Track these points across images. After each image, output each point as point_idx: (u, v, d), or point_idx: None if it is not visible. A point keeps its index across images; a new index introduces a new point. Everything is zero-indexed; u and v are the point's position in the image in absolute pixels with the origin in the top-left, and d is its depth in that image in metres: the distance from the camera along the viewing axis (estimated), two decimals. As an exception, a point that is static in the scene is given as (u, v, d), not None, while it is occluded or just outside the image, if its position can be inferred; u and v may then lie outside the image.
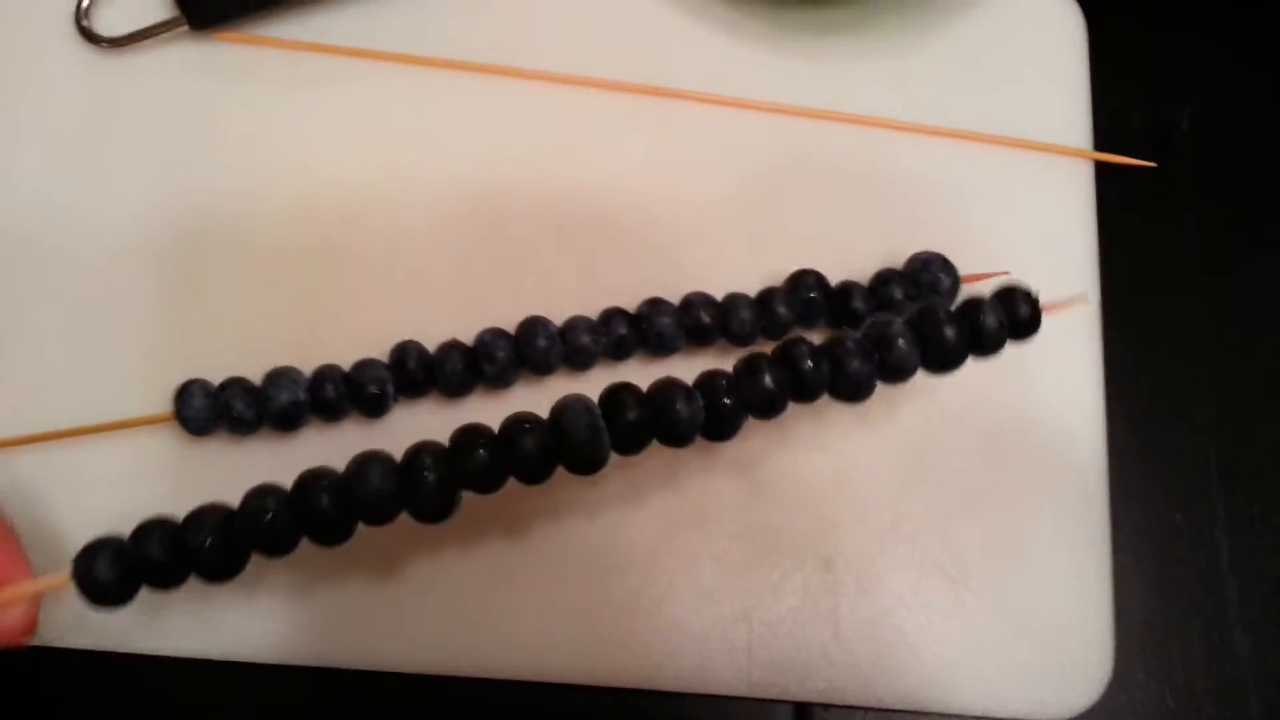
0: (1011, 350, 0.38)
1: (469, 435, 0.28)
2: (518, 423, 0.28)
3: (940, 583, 0.36)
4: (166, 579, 0.27)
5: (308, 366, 0.35)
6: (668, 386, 0.28)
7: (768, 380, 0.29)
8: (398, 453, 0.28)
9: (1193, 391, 0.41)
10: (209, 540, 0.27)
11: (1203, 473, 0.40)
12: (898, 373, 0.29)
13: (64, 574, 0.27)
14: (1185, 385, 0.41)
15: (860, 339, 0.29)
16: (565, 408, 0.28)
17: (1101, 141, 0.41)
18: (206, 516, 0.27)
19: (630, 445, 0.28)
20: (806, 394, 0.29)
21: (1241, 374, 0.41)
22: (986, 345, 0.30)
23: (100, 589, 0.27)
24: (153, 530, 0.27)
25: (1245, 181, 0.43)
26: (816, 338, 0.37)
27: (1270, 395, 0.41)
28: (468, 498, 0.35)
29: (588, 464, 0.28)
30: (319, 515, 0.27)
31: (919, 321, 0.30)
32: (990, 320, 0.30)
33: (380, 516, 0.28)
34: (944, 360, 0.30)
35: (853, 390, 0.29)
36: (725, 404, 0.29)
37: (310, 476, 0.28)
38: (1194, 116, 0.44)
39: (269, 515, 0.27)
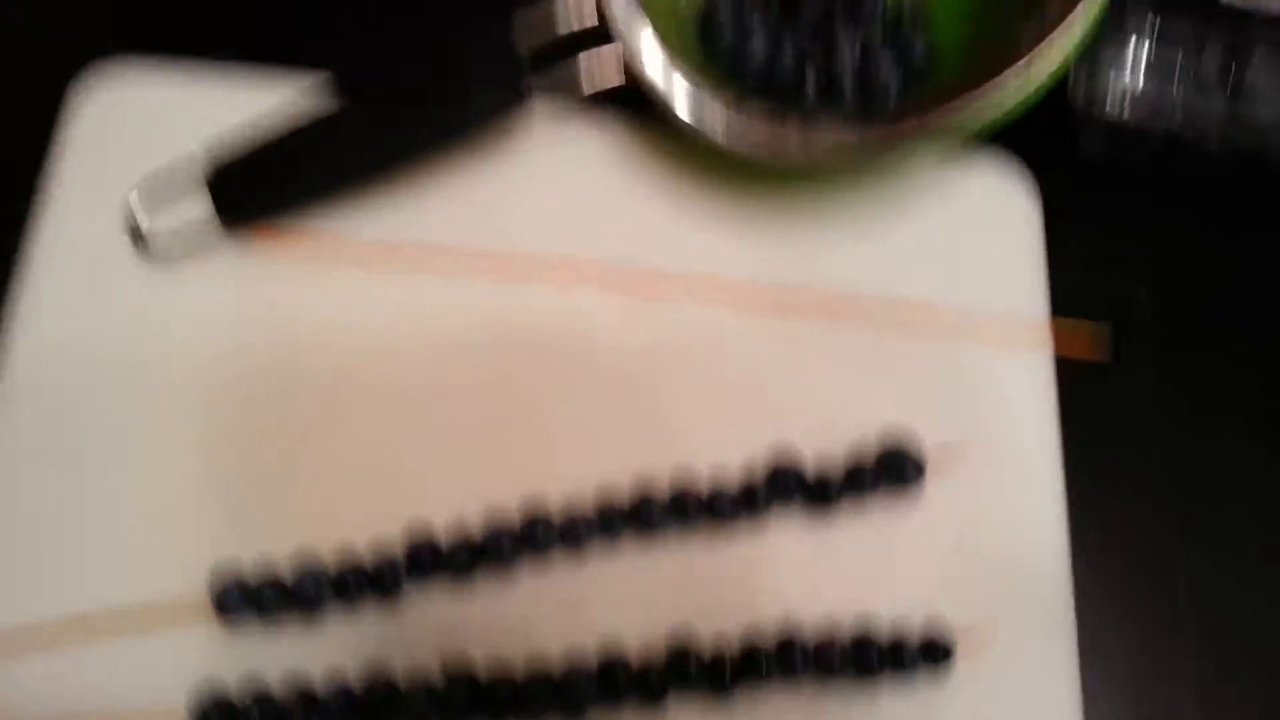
0: (974, 496, 0.41)
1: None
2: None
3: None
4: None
5: (328, 543, 0.39)
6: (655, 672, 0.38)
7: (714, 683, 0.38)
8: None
9: (1160, 532, 0.44)
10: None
11: (1174, 625, 0.43)
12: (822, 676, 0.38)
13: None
14: (1151, 527, 0.44)
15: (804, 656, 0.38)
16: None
17: (1059, 314, 0.44)
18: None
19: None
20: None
21: (1208, 513, 0.44)
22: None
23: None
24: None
25: (1205, 348, 0.46)
26: (793, 517, 0.41)
27: (1238, 535, 0.44)
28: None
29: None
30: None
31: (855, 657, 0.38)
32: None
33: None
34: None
35: (788, 678, 0.38)
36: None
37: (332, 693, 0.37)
38: (1152, 292, 0.47)
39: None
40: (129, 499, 0.40)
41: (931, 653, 0.38)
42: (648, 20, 0.42)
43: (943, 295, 0.44)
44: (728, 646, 0.38)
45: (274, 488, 0.40)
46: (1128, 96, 0.45)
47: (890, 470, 0.40)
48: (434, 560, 0.38)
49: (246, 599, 0.37)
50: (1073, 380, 0.44)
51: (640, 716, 0.38)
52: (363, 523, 0.39)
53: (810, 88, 0.45)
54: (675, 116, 0.41)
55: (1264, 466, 0.45)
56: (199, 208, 0.42)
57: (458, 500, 0.40)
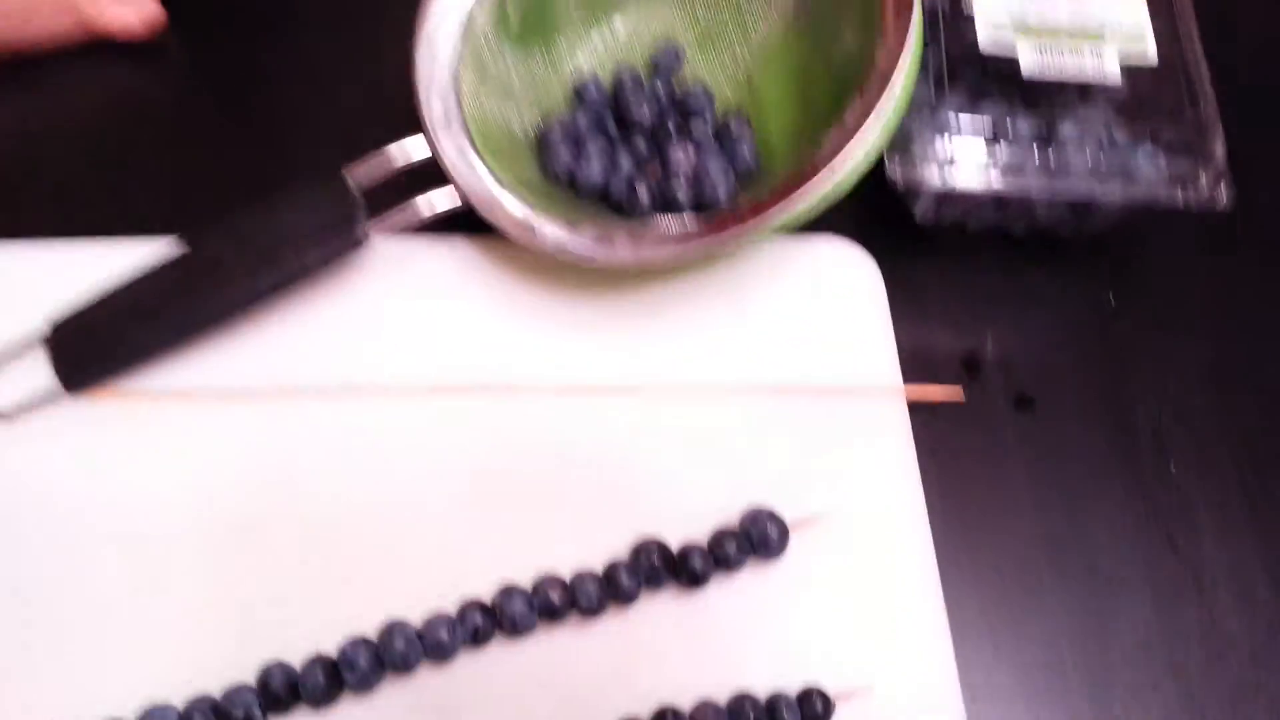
0: (843, 559, 0.40)
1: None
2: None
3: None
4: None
5: (180, 697, 0.37)
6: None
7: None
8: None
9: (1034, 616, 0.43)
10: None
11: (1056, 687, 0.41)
12: None
13: None
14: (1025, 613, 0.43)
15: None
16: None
17: (913, 377, 0.45)
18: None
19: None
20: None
21: (1080, 590, 0.43)
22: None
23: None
24: None
25: (1054, 398, 0.47)
26: (664, 599, 0.40)
27: (1110, 602, 0.43)
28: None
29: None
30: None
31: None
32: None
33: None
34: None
35: None
36: None
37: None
38: (996, 342, 0.48)
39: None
40: None
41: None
42: (477, 152, 0.44)
43: (798, 372, 0.45)
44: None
45: (128, 640, 0.39)
46: (945, 173, 0.47)
47: (755, 541, 0.39)
48: (289, 691, 0.36)
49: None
50: (931, 425, 0.45)
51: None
52: (223, 668, 0.38)
53: (645, 200, 0.47)
54: (511, 238, 0.43)
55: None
56: (43, 372, 0.43)
57: (316, 624, 0.38)
